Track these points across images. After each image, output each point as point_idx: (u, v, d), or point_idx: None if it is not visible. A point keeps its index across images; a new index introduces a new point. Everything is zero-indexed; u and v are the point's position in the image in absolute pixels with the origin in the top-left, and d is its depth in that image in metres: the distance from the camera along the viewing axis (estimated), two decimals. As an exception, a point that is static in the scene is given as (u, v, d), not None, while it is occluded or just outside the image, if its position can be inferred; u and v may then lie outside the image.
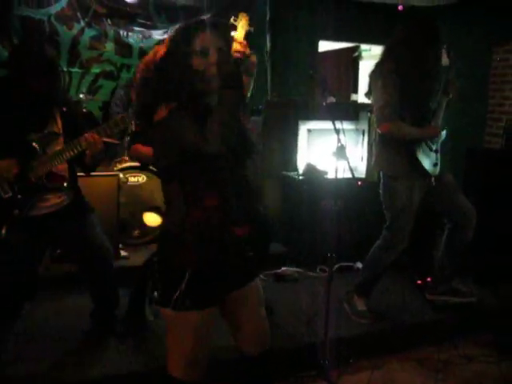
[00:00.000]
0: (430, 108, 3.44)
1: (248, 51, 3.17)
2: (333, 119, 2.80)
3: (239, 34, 3.36)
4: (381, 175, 3.55)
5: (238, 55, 3.27)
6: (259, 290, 2.20)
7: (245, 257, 2.02)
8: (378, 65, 3.45)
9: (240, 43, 3.02)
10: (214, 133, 1.85)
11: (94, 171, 3.11)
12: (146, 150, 3.18)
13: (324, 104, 2.90)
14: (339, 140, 2.83)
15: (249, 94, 2.96)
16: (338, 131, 2.81)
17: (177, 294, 1.91)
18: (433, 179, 3.44)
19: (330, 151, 2.96)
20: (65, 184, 2.94)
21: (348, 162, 2.87)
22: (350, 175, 2.93)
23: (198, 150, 1.85)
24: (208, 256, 1.95)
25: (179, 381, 2.02)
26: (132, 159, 4.22)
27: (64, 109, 2.95)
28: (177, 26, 2.07)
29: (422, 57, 3.27)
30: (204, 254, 1.94)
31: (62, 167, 2.91)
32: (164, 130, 1.89)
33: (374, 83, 3.39)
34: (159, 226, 2.16)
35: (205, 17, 5.60)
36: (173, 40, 1.99)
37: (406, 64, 3.24)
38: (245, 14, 3.45)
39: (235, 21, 3.52)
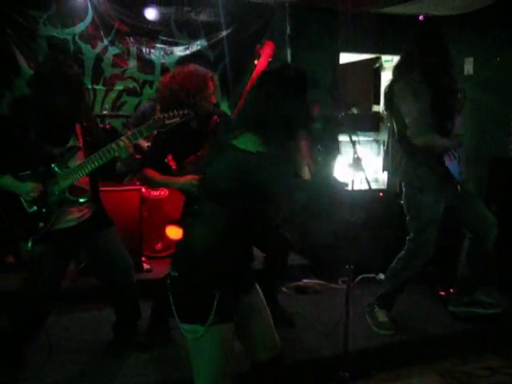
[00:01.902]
0: (452, 117, 3.42)
1: None
2: (348, 132, 2.82)
3: (262, 62, 3.40)
4: (403, 186, 3.54)
5: None
6: (259, 291, 2.24)
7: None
8: (400, 76, 3.41)
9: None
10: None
11: (123, 180, 3.16)
12: (156, 175, 3.21)
13: (339, 117, 2.91)
14: (355, 152, 2.85)
15: None
16: (353, 143, 2.83)
17: (206, 309, 1.94)
18: (459, 187, 3.41)
19: (347, 163, 2.97)
20: (86, 196, 3.00)
21: (365, 174, 2.88)
22: (366, 186, 2.93)
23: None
24: (236, 271, 2.04)
25: None
26: (141, 182, 4.05)
27: (84, 124, 3.03)
28: None
29: (447, 64, 3.27)
30: (233, 270, 2.02)
31: (83, 181, 2.97)
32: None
33: (402, 95, 3.34)
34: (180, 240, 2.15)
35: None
36: None
37: (435, 73, 3.24)
38: (271, 43, 3.48)
39: (259, 49, 3.55)
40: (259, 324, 2.20)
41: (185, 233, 2.15)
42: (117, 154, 2.83)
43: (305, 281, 4.38)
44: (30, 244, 2.84)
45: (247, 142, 1.96)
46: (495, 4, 5.10)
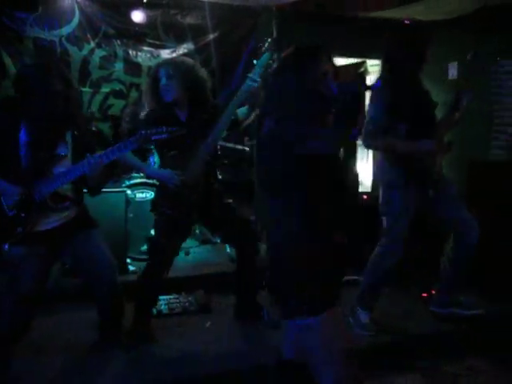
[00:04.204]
0: (429, 121, 3.46)
1: None
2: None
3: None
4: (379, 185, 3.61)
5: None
6: None
7: None
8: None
9: None
10: None
11: (99, 193, 3.16)
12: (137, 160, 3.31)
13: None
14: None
15: None
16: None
17: (323, 295, 1.98)
18: (431, 191, 3.46)
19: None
20: (68, 203, 3.00)
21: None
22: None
23: None
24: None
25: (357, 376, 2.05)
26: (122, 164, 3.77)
27: (75, 132, 3.02)
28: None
29: (415, 69, 3.34)
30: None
31: (66, 187, 2.96)
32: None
33: (370, 97, 3.41)
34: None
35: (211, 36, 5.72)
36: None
37: (398, 77, 3.31)
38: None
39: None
40: None
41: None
42: (87, 170, 2.85)
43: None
44: (6, 247, 2.83)
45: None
46: (480, 9, 5.17)
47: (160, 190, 3.50)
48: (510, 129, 5.28)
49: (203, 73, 3.48)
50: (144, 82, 5.42)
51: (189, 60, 3.54)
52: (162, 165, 3.47)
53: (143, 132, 2.89)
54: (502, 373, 3.42)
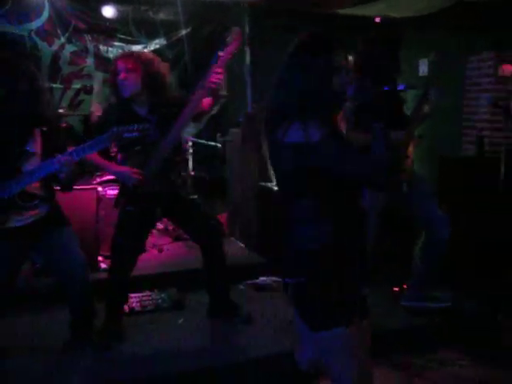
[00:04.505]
0: (400, 118, 3.49)
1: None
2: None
3: (234, 45, 3.38)
4: None
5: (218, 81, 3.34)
6: None
7: None
8: None
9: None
10: None
11: (70, 189, 3.12)
12: (97, 157, 3.23)
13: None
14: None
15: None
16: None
17: (347, 308, 1.91)
18: (404, 186, 3.48)
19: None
20: (37, 201, 2.94)
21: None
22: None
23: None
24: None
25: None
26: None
27: (44, 128, 2.97)
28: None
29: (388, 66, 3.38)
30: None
31: (35, 185, 2.91)
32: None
33: None
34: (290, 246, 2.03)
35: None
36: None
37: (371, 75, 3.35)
38: (238, 31, 3.46)
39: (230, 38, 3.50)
40: None
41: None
42: (57, 167, 2.80)
43: (263, 278, 4.40)
44: None
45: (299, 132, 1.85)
46: (452, 7, 5.23)
47: (121, 187, 3.47)
48: (479, 124, 5.35)
49: (163, 66, 3.40)
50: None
51: (148, 53, 3.48)
52: (125, 161, 3.38)
53: (114, 129, 2.83)
54: (468, 363, 3.47)
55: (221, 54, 3.25)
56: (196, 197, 3.60)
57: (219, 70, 3.23)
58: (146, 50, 5.59)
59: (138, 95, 3.30)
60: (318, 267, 1.91)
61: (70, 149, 2.86)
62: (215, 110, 3.50)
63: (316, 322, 1.95)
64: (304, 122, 1.84)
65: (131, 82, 3.25)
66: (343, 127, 2.18)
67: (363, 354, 1.98)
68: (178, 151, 3.60)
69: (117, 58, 3.42)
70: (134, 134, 2.84)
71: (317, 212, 1.90)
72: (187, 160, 5.46)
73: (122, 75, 3.24)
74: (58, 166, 2.79)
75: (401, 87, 3.42)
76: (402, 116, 3.58)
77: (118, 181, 3.52)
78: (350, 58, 2.05)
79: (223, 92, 3.42)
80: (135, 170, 3.23)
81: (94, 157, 3.23)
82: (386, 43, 3.46)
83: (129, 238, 3.36)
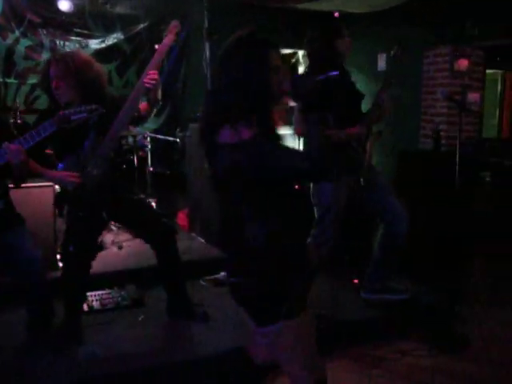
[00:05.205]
0: (355, 112, 3.52)
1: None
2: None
3: (169, 39, 3.34)
4: None
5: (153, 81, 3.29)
6: None
7: None
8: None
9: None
10: None
11: (24, 182, 3.04)
12: (33, 164, 3.00)
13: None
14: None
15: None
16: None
17: (291, 301, 1.95)
18: (362, 180, 3.53)
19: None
20: None
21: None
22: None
23: None
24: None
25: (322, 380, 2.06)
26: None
27: None
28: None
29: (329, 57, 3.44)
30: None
31: None
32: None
33: None
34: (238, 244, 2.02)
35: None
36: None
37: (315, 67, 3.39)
38: (177, 24, 3.44)
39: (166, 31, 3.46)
40: None
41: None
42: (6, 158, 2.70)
43: (223, 273, 4.40)
44: None
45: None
46: (409, 2, 5.31)
47: (62, 191, 3.38)
48: (436, 118, 5.45)
49: (98, 67, 3.29)
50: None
51: (82, 56, 3.30)
52: (66, 164, 3.23)
53: (61, 113, 2.75)
54: (426, 353, 3.54)
55: (157, 46, 3.23)
56: (143, 196, 3.52)
57: (153, 72, 3.22)
58: (103, 45, 5.53)
59: (74, 101, 3.14)
60: (261, 264, 1.93)
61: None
62: (151, 115, 3.48)
63: (263, 317, 1.98)
64: (236, 123, 1.85)
65: (63, 91, 3.15)
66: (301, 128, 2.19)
67: (310, 342, 2.03)
68: (118, 152, 3.55)
69: (50, 61, 3.27)
70: (82, 114, 2.77)
71: (258, 210, 1.90)
72: (146, 156, 5.42)
73: (53, 83, 3.14)
74: (8, 155, 2.69)
75: (333, 73, 3.47)
76: (359, 111, 3.61)
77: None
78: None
79: (159, 96, 3.38)
80: (72, 173, 3.11)
81: (32, 165, 3.10)
82: (322, 33, 3.50)
83: (78, 244, 3.28)
